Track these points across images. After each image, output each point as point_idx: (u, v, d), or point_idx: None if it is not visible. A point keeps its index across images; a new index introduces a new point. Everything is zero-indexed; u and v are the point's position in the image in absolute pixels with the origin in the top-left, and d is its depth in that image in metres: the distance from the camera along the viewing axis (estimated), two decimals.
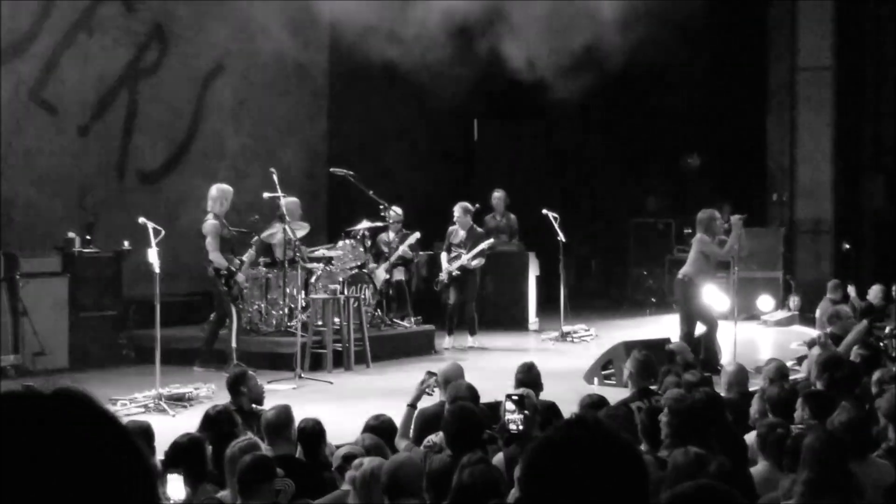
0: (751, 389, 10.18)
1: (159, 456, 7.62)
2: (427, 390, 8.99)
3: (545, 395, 9.38)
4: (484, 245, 17.62)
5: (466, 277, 17.64)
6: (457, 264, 17.52)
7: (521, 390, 8.42)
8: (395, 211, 17.42)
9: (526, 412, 7.59)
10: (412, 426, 8.90)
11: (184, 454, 7.22)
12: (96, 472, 1.66)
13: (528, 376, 9.58)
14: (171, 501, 6.41)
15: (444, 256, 17.80)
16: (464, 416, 7.52)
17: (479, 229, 18.03)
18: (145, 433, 7.63)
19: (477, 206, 19.69)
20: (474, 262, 17.59)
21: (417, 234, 17.61)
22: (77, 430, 1.68)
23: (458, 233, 17.77)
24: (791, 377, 11.76)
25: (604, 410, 8.63)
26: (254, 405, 9.53)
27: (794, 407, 8.37)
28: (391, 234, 17.55)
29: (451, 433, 7.47)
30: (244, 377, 9.76)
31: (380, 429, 8.10)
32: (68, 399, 1.72)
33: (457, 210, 17.81)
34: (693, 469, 6.16)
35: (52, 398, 1.72)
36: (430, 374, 9.19)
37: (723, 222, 15.08)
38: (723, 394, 9.68)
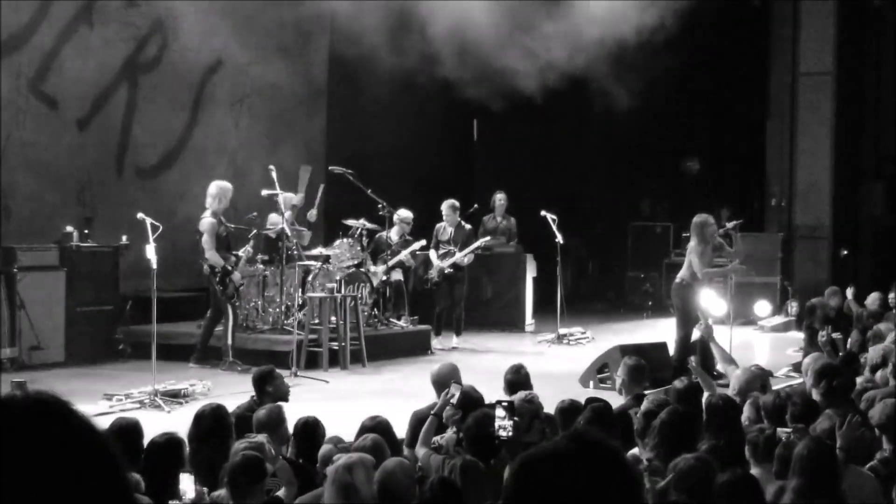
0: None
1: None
2: (452, 401, 8.96)
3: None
4: (479, 243, 17.66)
5: (458, 276, 17.68)
6: (449, 261, 17.54)
7: (524, 393, 8.41)
8: (402, 214, 17.43)
9: (516, 418, 7.62)
10: (408, 428, 8.90)
11: (159, 453, 7.21)
12: (67, 481, 1.65)
13: (517, 377, 9.57)
14: (184, 500, 6.41)
15: (433, 254, 17.81)
16: (485, 423, 7.56)
17: (468, 226, 18.07)
18: (134, 430, 7.63)
19: (476, 206, 19.69)
20: (466, 259, 17.62)
21: (423, 242, 17.56)
22: (49, 438, 1.67)
23: (445, 230, 17.83)
24: (788, 384, 11.80)
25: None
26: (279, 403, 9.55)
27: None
28: (394, 236, 17.49)
29: (472, 440, 7.51)
30: (271, 375, 9.75)
31: (375, 430, 8.07)
32: (42, 405, 1.71)
33: (444, 207, 17.87)
34: (699, 474, 6.17)
35: (25, 405, 1.71)
36: (457, 385, 9.14)
37: (716, 228, 15.08)
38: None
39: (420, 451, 8.19)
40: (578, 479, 2.14)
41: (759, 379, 10.39)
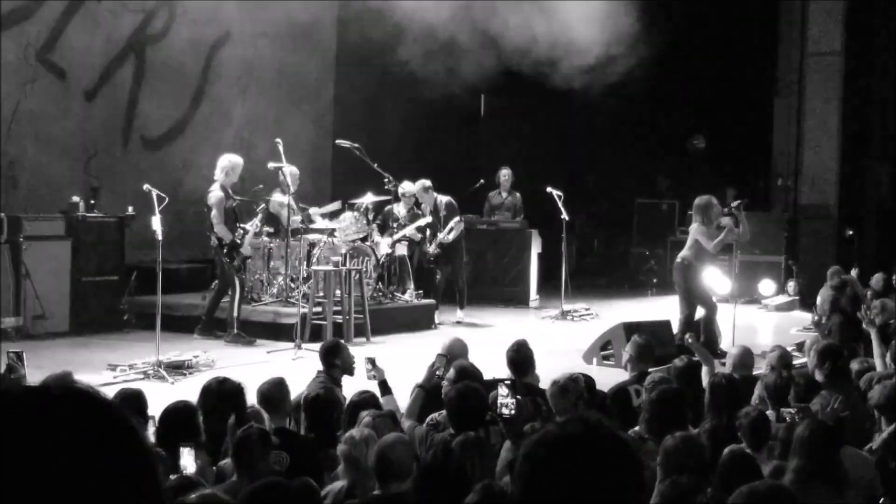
0: (755, 373, 10.19)
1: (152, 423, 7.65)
2: (438, 372, 8.98)
3: (540, 375, 9.40)
4: (451, 223, 17.48)
5: (448, 253, 17.62)
6: (435, 242, 17.48)
7: (570, 373, 8.42)
8: (406, 187, 17.37)
9: (518, 397, 7.64)
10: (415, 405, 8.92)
11: (176, 419, 7.25)
12: (102, 469, 1.67)
13: (518, 355, 9.58)
14: (184, 473, 6.43)
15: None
16: (468, 396, 7.55)
17: (444, 199, 17.71)
18: (137, 399, 7.67)
19: (481, 181, 19.69)
20: (450, 236, 17.54)
21: (429, 219, 17.48)
22: (84, 429, 1.69)
23: (427, 210, 17.68)
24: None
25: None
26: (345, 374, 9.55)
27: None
28: (402, 210, 17.44)
29: (455, 412, 7.50)
30: (338, 348, 9.69)
31: (365, 405, 8.06)
32: (75, 397, 1.73)
33: (417, 190, 17.62)
34: (685, 453, 6.20)
35: (58, 397, 1.73)
36: (442, 356, 9.17)
37: (721, 208, 15.04)
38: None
39: (405, 422, 8.21)
40: (586, 463, 2.21)
41: (777, 358, 10.36)
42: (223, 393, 8.03)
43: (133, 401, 7.63)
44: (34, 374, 9.07)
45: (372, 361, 9.23)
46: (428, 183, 17.66)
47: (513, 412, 7.47)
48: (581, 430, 2.26)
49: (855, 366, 9.80)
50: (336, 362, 9.48)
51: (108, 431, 1.71)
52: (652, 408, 7.50)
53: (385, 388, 9.08)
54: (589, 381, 8.81)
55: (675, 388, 8.12)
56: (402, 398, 9.27)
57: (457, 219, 17.61)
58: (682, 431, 6.62)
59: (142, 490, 1.71)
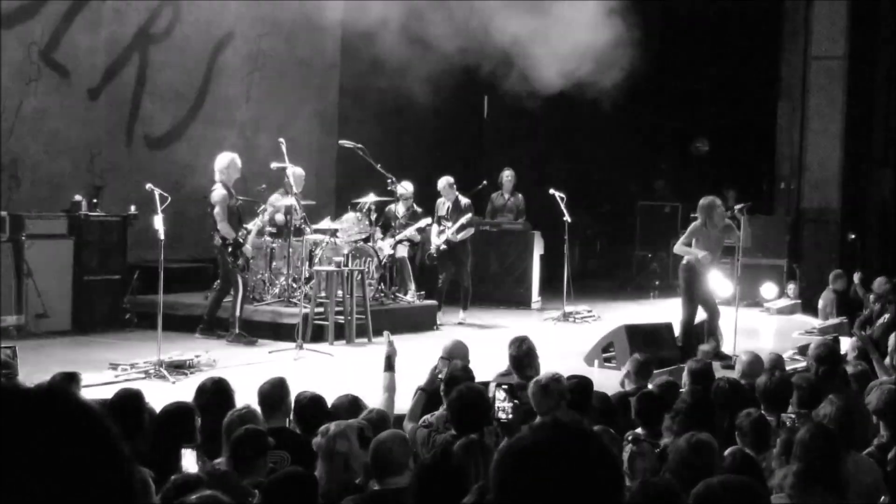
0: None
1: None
2: (440, 375, 8.98)
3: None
4: (463, 220, 17.49)
5: (455, 252, 17.62)
6: (442, 238, 17.50)
7: (552, 373, 8.40)
8: (405, 187, 17.37)
9: (516, 401, 7.63)
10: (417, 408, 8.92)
11: (172, 420, 7.26)
12: (73, 469, 1.67)
13: (520, 350, 9.57)
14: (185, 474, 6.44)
15: (434, 230, 17.70)
16: (470, 397, 7.54)
17: (465, 200, 17.86)
18: (136, 398, 7.68)
19: (484, 182, 19.68)
20: (459, 236, 17.54)
21: (428, 220, 17.49)
22: (55, 428, 1.69)
23: (444, 205, 17.75)
24: (793, 367, 11.80)
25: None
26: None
27: (785, 397, 8.43)
28: (401, 209, 17.46)
29: (456, 413, 7.50)
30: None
31: (349, 407, 8.06)
32: (48, 397, 1.73)
33: (441, 183, 17.75)
34: (694, 455, 6.20)
35: (31, 396, 1.72)
36: (444, 359, 9.17)
37: (724, 210, 15.01)
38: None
39: (408, 425, 8.21)
40: (560, 468, 2.18)
41: (772, 362, 10.37)
42: (219, 392, 8.05)
43: (131, 400, 7.65)
44: (36, 374, 9.07)
45: (390, 341, 9.39)
46: (452, 180, 17.74)
47: (510, 416, 7.46)
48: (551, 435, 2.25)
49: (849, 369, 9.79)
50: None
51: (75, 427, 1.71)
52: (686, 411, 7.49)
53: (389, 363, 9.14)
54: (584, 380, 8.77)
55: (704, 391, 8.14)
56: (404, 399, 9.27)
57: (469, 215, 17.59)
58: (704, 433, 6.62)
59: (112, 484, 1.71)
